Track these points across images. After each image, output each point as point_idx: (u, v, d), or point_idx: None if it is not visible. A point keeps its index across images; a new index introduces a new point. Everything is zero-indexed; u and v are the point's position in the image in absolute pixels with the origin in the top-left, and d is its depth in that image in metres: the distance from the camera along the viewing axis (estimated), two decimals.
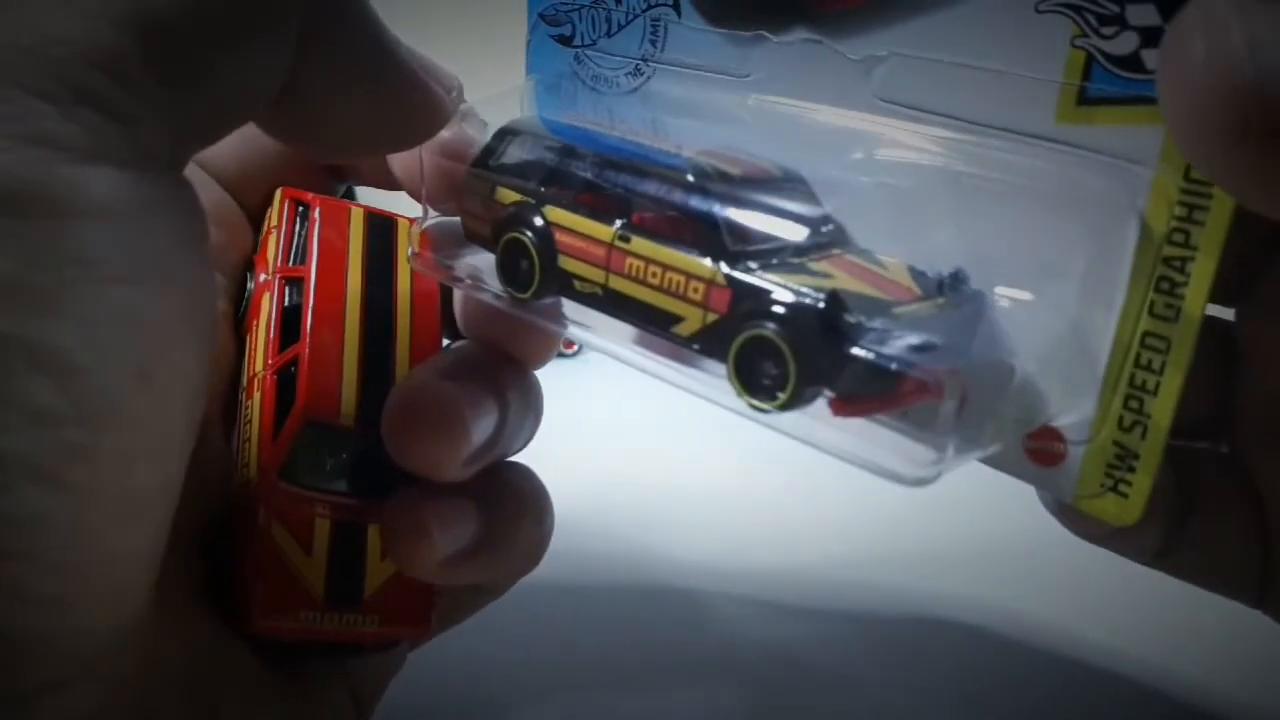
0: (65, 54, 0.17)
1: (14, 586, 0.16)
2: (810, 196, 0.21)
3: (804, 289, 0.18)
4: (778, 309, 0.18)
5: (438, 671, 0.30)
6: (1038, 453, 0.20)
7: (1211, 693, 0.33)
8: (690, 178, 0.20)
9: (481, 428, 0.24)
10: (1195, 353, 0.18)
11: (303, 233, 0.28)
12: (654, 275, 0.20)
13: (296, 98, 0.20)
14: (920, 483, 0.17)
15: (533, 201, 0.22)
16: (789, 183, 0.21)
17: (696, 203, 0.20)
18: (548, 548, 0.27)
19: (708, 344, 0.19)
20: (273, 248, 0.28)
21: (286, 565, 0.24)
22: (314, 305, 0.26)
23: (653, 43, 0.25)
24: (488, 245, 0.24)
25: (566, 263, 0.22)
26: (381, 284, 0.28)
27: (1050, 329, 0.19)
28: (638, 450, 0.49)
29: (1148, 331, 0.18)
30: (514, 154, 0.23)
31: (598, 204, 0.21)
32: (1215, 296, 0.18)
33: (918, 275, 0.19)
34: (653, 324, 0.20)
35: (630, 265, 0.20)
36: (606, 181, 0.21)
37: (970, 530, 0.41)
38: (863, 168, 0.21)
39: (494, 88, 0.26)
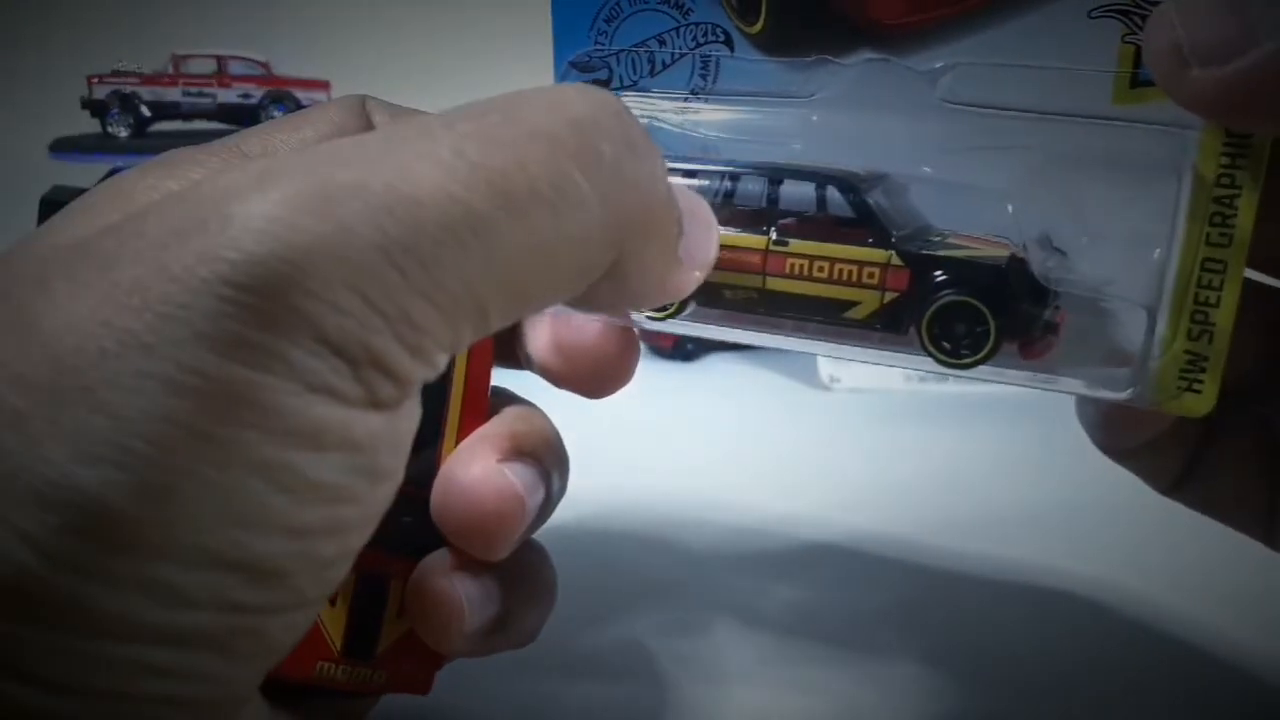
0: (380, 326, 0.17)
1: None
2: (903, 189, 0.25)
3: (979, 258, 0.21)
4: (969, 276, 0.21)
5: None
6: None
7: (1220, 633, 0.36)
8: (825, 178, 0.23)
9: (533, 511, 0.26)
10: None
11: None
12: (820, 270, 0.23)
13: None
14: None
15: None
16: (880, 179, 0.25)
17: (846, 199, 0.23)
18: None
19: (887, 321, 0.22)
20: None
21: None
22: None
23: (703, 76, 0.27)
24: None
25: (714, 275, 0.24)
26: None
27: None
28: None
29: (1207, 258, 0.23)
30: None
31: (737, 216, 0.23)
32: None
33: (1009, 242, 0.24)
34: (819, 314, 0.23)
35: (791, 265, 0.23)
36: (742, 194, 0.24)
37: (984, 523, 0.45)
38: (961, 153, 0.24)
39: None
